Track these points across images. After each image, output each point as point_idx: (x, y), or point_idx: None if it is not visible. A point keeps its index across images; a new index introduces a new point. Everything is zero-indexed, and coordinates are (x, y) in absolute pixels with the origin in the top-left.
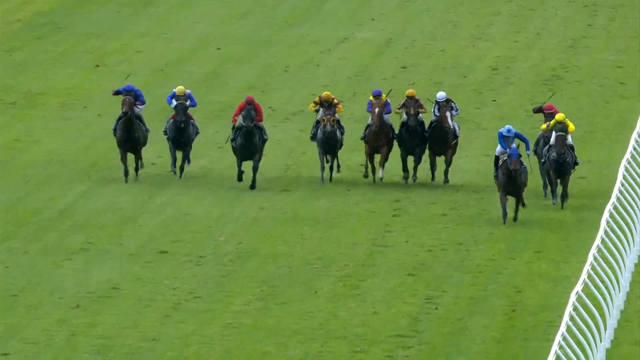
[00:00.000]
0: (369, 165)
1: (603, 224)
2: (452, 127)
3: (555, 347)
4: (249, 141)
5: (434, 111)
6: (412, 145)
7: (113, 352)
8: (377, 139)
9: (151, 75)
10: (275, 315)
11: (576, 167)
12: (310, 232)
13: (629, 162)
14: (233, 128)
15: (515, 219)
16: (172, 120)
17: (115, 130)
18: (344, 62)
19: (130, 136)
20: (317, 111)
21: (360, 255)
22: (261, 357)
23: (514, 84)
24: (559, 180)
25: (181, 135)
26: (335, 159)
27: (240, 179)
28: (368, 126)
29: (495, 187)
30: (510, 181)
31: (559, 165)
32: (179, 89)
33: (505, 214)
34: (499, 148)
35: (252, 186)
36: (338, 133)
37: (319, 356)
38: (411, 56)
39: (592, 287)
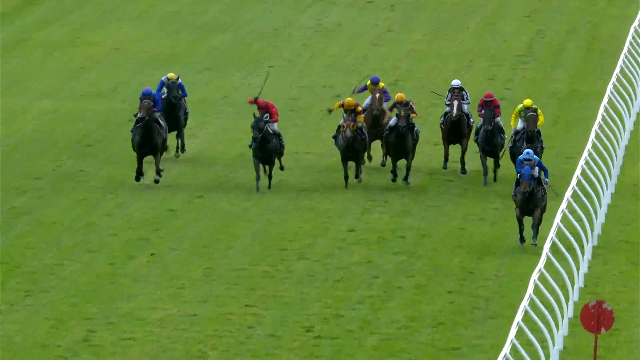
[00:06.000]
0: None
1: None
2: (457, 114)
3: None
4: (264, 147)
5: (446, 100)
6: (402, 148)
7: None
8: (376, 125)
9: None
10: None
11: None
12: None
13: None
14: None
15: (535, 237)
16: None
17: (133, 133)
18: None
19: (148, 141)
20: (331, 111)
21: None
22: None
23: None
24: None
25: (171, 112)
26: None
27: (257, 178)
28: (363, 110)
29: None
30: (528, 201)
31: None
32: (170, 74)
33: (522, 238)
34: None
35: (269, 185)
36: (359, 139)
37: None
38: None
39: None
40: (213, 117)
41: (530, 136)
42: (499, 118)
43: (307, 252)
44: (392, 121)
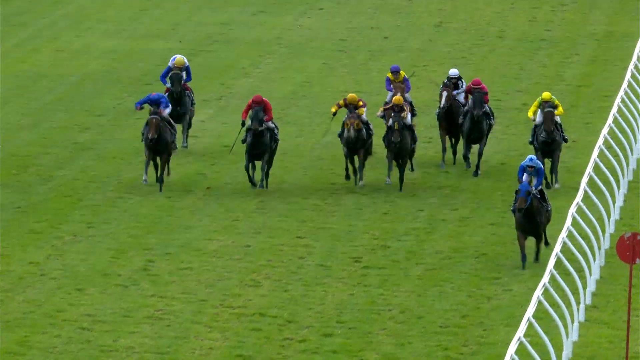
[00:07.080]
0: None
1: None
2: (445, 105)
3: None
4: (258, 140)
5: (440, 90)
6: (399, 152)
7: None
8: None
9: None
10: None
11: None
12: None
13: None
14: (243, 124)
15: (536, 259)
16: (166, 93)
17: (143, 134)
18: None
19: (158, 139)
20: (334, 114)
21: None
22: None
23: None
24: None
25: (177, 106)
26: (364, 160)
27: (252, 183)
28: (387, 103)
29: None
30: (527, 219)
31: (547, 145)
32: (178, 59)
33: (524, 257)
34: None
35: (261, 185)
36: (364, 135)
37: None
38: None
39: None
40: (266, 57)
41: (548, 132)
42: (487, 105)
43: (355, 186)
44: (391, 121)
